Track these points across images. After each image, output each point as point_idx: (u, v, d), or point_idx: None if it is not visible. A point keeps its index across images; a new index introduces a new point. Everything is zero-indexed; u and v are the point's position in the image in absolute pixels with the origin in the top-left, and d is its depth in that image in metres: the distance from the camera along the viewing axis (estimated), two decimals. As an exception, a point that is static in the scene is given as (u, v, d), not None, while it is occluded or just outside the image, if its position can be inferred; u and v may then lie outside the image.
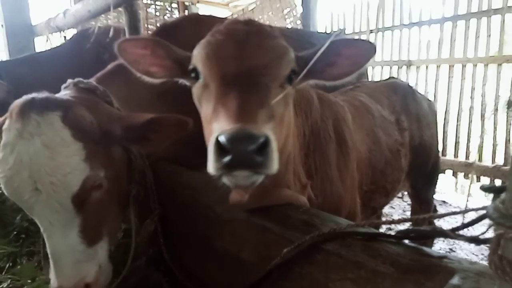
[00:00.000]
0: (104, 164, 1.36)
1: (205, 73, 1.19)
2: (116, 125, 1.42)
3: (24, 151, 1.22)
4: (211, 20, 2.28)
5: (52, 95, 1.38)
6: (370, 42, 1.33)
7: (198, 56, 1.23)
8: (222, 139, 0.91)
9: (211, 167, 0.96)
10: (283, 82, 1.21)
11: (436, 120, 3.14)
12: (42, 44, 4.15)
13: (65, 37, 3.90)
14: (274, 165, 0.97)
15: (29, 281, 1.55)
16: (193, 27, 2.14)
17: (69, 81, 1.61)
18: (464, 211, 0.93)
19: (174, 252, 1.63)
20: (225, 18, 2.61)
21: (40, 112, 1.27)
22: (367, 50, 1.30)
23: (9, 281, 1.56)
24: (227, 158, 0.91)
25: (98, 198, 1.35)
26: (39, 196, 1.24)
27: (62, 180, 1.24)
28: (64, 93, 1.52)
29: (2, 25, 4.11)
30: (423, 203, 3.08)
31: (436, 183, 3.20)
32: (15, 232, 1.92)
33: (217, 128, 0.99)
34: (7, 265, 1.68)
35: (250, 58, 1.14)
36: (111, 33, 2.71)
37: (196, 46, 1.28)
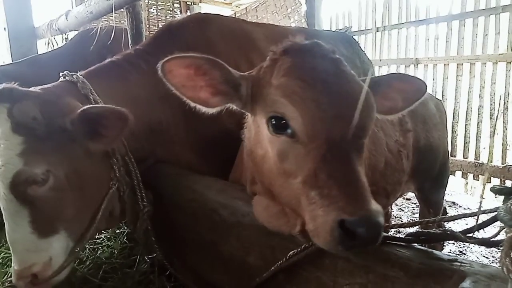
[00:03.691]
0: (50, 160, 1.36)
1: (301, 133, 1.09)
2: (67, 119, 1.40)
3: None
4: (218, 20, 2.25)
5: (12, 86, 1.41)
6: (422, 80, 1.35)
7: (290, 110, 1.11)
8: (352, 226, 0.91)
9: (329, 245, 0.96)
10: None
11: (444, 121, 3.08)
12: (44, 47, 4.17)
13: (67, 39, 3.93)
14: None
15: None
16: (200, 27, 2.09)
17: (60, 74, 1.67)
18: (475, 214, 0.91)
19: (181, 256, 1.62)
20: (232, 17, 2.57)
21: None
22: (418, 87, 1.31)
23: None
24: (352, 243, 0.93)
25: (44, 193, 1.35)
26: None
27: None
28: (47, 85, 1.58)
29: (5, 28, 4.14)
30: (432, 206, 3.01)
31: (445, 185, 3.13)
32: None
33: (329, 204, 0.97)
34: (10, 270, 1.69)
35: (352, 117, 1.06)
36: (113, 34, 2.72)
37: (279, 89, 1.15)
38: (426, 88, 1.32)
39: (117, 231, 2.01)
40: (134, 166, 1.64)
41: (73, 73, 1.67)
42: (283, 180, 1.14)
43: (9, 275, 1.61)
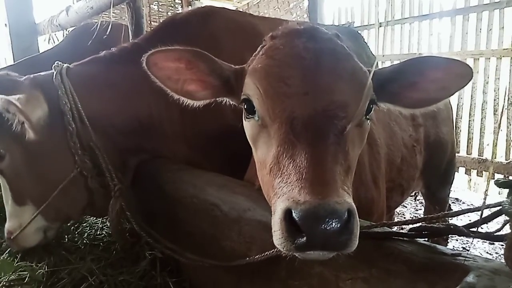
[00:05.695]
0: (4, 142, 1.64)
1: (263, 113, 0.98)
2: None
3: None
4: (224, 13, 2.22)
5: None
6: (466, 64, 1.08)
7: (253, 88, 1.00)
8: (296, 216, 0.74)
9: (280, 245, 0.80)
10: (362, 119, 1.00)
11: (451, 116, 3.05)
12: (45, 43, 4.19)
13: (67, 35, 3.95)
14: (356, 242, 0.79)
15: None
16: (204, 21, 2.05)
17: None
18: (480, 208, 0.89)
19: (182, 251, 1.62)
20: (238, 10, 2.53)
21: None
22: (461, 73, 1.04)
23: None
24: (302, 240, 0.75)
25: (6, 168, 1.66)
26: None
27: None
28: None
29: (6, 25, 4.15)
30: (438, 203, 2.97)
31: (451, 182, 3.07)
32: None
33: (285, 193, 0.81)
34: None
35: (326, 94, 0.91)
36: (109, 29, 2.73)
37: (250, 69, 1.05)
38: (471, 74, 1.04)
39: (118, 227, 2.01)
40: (101, 150, 1.72)
41: (60, 63, 1.82)
42: (260, 172, 1.04)
43: (17, 269, 1.65)
